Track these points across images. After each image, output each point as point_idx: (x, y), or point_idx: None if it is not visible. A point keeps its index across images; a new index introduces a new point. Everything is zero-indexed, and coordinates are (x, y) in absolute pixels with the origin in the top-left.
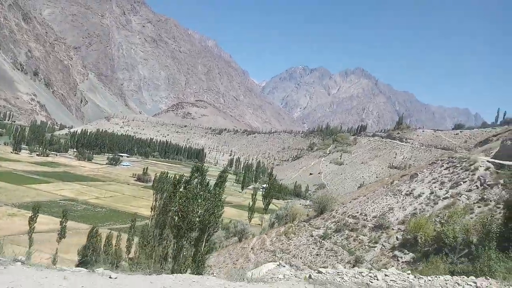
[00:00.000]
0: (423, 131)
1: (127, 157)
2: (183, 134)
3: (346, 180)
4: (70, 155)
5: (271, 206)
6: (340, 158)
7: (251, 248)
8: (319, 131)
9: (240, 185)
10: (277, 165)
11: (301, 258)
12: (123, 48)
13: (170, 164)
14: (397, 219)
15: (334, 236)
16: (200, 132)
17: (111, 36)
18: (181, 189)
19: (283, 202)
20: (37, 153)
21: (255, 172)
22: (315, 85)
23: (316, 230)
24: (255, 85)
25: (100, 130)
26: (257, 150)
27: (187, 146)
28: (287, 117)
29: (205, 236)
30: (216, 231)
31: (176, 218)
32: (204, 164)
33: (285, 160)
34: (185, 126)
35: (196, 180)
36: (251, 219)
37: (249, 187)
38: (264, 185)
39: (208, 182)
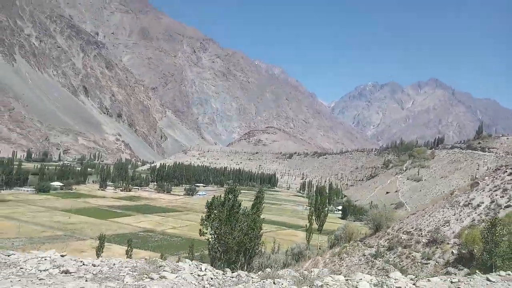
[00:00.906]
0: (507, 138)
1: (203, 186)
2: (255, 160)
3: (426, 197)
4: (150, 188)
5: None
6: (418, 174)
7: (304, 270)
8: (393, 147)
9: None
10: (351, 185)
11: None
12: (196, 84)
13: (244, 191)
14: (453, 232)
15: (386, 255)
16: (271, 157)
17: (184, 74)
18: (215, 211)
19: (359, 224)
20: (121, 188)
21: (328, 194)
22: (387, 101)
23: (368, 249)
24: (324, 106)
25: (177, 163)
26: (329, 172)
27: (259, 172)
28: (360, 136)
29: (245, 258)
30: (256, 253)
31: (211, 240)
32: (275, 188)
33: (359, 180)
34: (256, 152)
35: (229, 202)
36: (309, 241)
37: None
38: (339, 207)
39: (240, 203)
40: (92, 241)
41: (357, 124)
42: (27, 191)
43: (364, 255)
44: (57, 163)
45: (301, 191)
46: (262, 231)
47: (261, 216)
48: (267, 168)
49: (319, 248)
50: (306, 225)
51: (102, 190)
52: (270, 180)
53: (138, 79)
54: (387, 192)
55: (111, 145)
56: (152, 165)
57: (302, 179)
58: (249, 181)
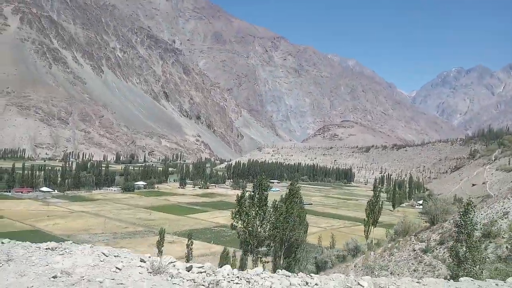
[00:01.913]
0: None
1: (278, 183)
2: (329, 156)
3: None
4: (226, 185)
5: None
6: (509, 164)
7: (354, 266)
8: (481, 136)
9: (391, 203)
10: (434, 178)
11: (398, 275)
12: (269, 83)
13: (318, 187)
14: (511, 225)
15: (436, 249)
16: (347, 152)
17: (257, 73)
18: (244, 206)
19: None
20: (199, 186)
21: (407, 188)
22: (474, 87)
23: (419, 243)
24: (404, 96)
25: (252, 160)
26: (409, 165)
27: (335, 168)
28: (445, 125)
29: (281, 251)
30: (296, 246)
31: (243, 234)
32: (352, 183)
33: (442, 173)
34: (331, 147)
35: (257, 195)
36: (367, 235)
37: (402, 205)
38: (420, 202)
39: (267, 197)
40: (169, 236)
41: (441, 113)
42: (114, 190)
43: (414, 250)
44: (142, 164)
45: (379, 186)
46: (291, 224)
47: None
48: (342, 163)
49: (373, 243)
50: (364, 219)
51: (181, 188)
52: (346, 175)
53: (213, 82)
54: (473, 185)
55: (192, 145)
56: (228, 163)
57: (381, 173)
58: (324, 176)
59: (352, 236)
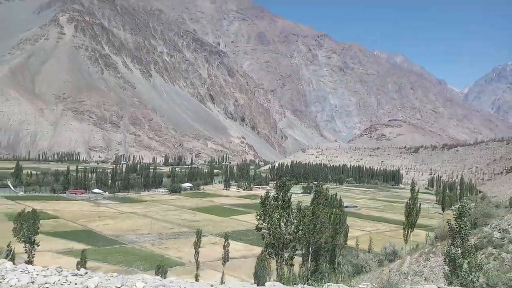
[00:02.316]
0: None
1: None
2: (376, 156)
3: None
4: (270, 187)
5: None
6: None
7: (388, 271)
8: None
9: (441, 206)
10: (487, 180)
11: (432, 281)
12: (313, 83)
13: (364, 189)
14: None
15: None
16: (395, 152)
17: (300, 73)
18: (267, 207)
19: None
20: (243, 187)
21: (459, 190)
22: None
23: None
24: (456, 93)
25: (295, 162)
26: (461, 166)
27: (382, 169)
28: (501, 123)
29: (308, 254)
30: (328, 250)
31: (267, 236)
32: (400, 186)
33: (497, 174)
34: (378, 148)
35: (281, 197)
36: (407, 239)
37: (452, 208)
38: (473, 204)
39: (290, 198)
40: (211, 237)
41: (497, 110)
42: (162, 192)
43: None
44: (189, 166)
45: (429, 188)
46: (316, 226)
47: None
48: (390, 164)
49: (411, 247)
50: (403, 223)
51: (226, 189)
52: (393, 177)
53: (257, 83)
54: None
55: (237, 147)
56: (272, 165)
57: (430, 174)
58: (370, 178)
59: (392, 240)
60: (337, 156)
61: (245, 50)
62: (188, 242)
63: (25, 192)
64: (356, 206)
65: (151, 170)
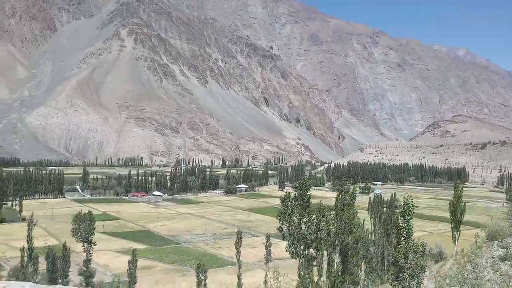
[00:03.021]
0: None
1: (381, 184)
2: (439, 154)
3: None
4: (326, 187)
5: None
6: None
7: (429, 273)
8: None
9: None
10: None
11: (471, 286)
12: (370, 80)
13: (426, 188)
14: None
15: None
16: (460, 149)
17: (356, 72)
18: (288, 207)
19: None
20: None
21: None
22: None
23: (500, 249)
24: None
25: (351, 162)
26: None
27: (446, 167)
28: None
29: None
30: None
31: (288, 236)
32: (467, 184)
33: None
34: (441, 145)
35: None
36: (455, 240)
37: None
38: None
39: (309, 198)
40: (263, 238)
41: None
42: (218, 193)
43: (493, 257)
44: (245, 168)
45: (499, 186)
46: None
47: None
48: (454, 162)
49: (456, 249)
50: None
51: (280, 190)
52: (459, 175)
53: (311, 84)
54: None
55: (292, 148)
56: (328, 165)
57: (500, 171)
58: (433, 177)
59: (438, 241)
60: (397, 155)
61: (298, 52)
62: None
63: (91, 195)
64: (417, 206)
65: (207, 173)
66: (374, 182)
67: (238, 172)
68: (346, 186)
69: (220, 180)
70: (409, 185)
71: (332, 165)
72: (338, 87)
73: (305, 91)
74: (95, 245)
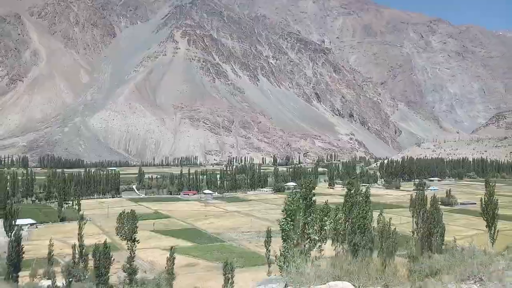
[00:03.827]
0: None
1: (438, 181)
2: (503, 147)
3: None
4: (378, 184)
5: None
6: None
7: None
8: None
9: None
10: None
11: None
12: (428, 71)
13: (482, 183)
14: None
15: None
16: None
17: (413, 63)
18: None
19: None
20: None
21: None
22: None
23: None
24: None
25: (406, 158)
26: None
27: (510, 161)
28: None
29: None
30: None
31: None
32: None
33: None
34: (505, 138)
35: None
36: (493, 241)
37: None
38: None
39: (312, 197)
40: None
41: None
42: (266, 191)
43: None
44: (293, 166)
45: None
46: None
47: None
48: None
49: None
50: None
51: (330, 188)
52: None
53: (365, 77)
54: None
55: (345, 144)
56: (382, 161)
57: None
58: (496, 171)
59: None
60: (457, 149)
61: (351, 44)
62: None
63: (145, 195)
64: (475, 203)
65: (256, 171)
66: (430, 178)
67: (288, 170)
68: (355, 184)
69: (269, 178)
70: (468, 181)
71: (386, 161)
72: (393, 79)
73: (359, 85)
74: (138, 243)
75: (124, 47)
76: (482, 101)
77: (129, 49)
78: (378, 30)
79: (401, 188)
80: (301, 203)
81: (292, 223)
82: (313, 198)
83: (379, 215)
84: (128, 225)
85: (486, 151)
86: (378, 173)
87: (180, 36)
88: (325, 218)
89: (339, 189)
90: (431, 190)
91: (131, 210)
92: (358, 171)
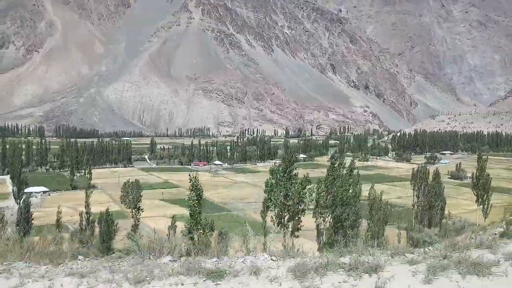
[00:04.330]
0: None
1: (450, 154)
2: None
3: None
4: (389, 157)
5: None
6: None
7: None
8: None
9: None
10: None
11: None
12: (447, 42)
13: (501, 158)
14: None
15: None
16: None
17: (432, 33)
18: (273, 179)
19: None
20: (358, 158)
21: None
22: None
23: (505, 226)
24: None
25: (419, 130)
26: None
27: None
28: None
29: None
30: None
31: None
32: None
33: None
34: None
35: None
36: (485, 216)
37: None
38: None
39: (292, 170)
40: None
41: None
42: (276, 163)
43: (495, 234)
44: (303, 138)
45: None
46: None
47: None
48: None
49: (478, 224)
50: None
51: None
52: None
53: (382, 48)
54: None
55: (359, 117)
56: (395, 134)
57: None
58: (510, 146)
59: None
60: (472, 122)
61: (369, 13)
62: None
63: (157, 165)
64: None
65: (266, 143)
66: (442, 152)
67: (299, 142)
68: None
69: (279, 150)
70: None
71: (398, 134)
72: (411, 50)
73: (375, 56)
74: (142, 211)
75: (138, 17)
76: (503, 73)
77: (143, 20)
78: None
79: (411, 161)
80: (282, 176)
81: (271, 195)
82: (294, 171)
83: (370, 188)
84: (132, 194)
85: (502, 125)
86: (390, 146)
87: (194, 5)
88: (304, 191)
89: (348, 161)
90: (442, 163)
91: (136, 179)
92: (369, 144)
